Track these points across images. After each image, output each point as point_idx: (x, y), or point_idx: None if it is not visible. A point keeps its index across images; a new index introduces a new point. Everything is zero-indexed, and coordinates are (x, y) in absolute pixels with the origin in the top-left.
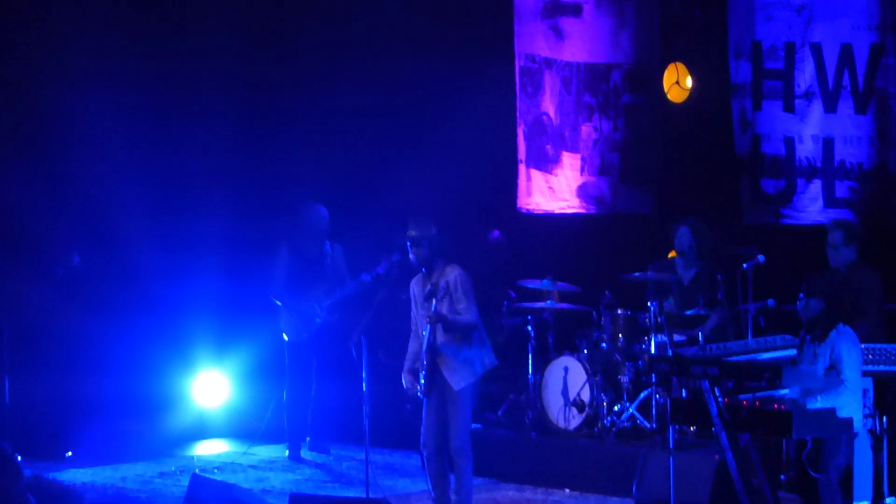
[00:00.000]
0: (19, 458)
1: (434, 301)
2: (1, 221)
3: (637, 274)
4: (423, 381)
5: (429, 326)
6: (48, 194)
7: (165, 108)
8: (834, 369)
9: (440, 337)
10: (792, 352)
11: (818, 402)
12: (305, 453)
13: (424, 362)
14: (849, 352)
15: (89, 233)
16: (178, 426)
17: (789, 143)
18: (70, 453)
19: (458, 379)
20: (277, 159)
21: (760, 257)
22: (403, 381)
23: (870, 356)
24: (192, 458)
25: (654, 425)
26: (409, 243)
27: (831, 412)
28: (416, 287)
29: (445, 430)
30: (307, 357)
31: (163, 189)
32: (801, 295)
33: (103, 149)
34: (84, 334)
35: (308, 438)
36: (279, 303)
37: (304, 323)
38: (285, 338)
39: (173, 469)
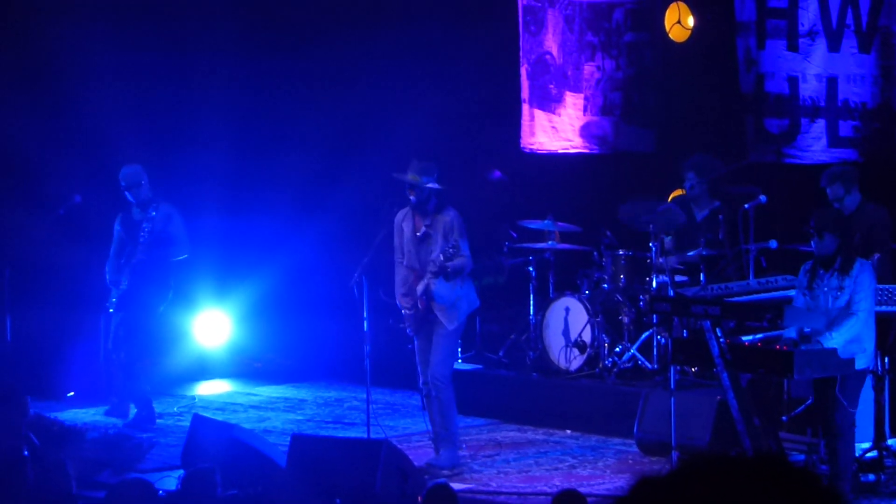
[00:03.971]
0: (28, 397)
1: (430, 244)
2: (1, 159)
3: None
4: (408, 312)
5: (422, 267)
6: (48, 130)
7: (167, 40)
8: (850, 301)
9: (436, 280)
10: (794, 292)
11: (833, 340)
12: (108, 417)
13: (412, 302)
14: (870, 285)
15: (90, 168)
16: (179, 366)
17: (793, 82)
18: (72, 393)
19: (451, 319)
20: (281, 94)
21: (762, 197)
22: (399, 303)
23: None
24: (194, 397)
25: (656, 366)
26: (408, 184)
27: (833, 352)
28: (402, 221)
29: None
30: (118, 324)
31: (163, 125)
32: (812, 231)
33: (104, 83)
34: (86, 273)
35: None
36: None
37: (112, 291)
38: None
39: (175, 409)
